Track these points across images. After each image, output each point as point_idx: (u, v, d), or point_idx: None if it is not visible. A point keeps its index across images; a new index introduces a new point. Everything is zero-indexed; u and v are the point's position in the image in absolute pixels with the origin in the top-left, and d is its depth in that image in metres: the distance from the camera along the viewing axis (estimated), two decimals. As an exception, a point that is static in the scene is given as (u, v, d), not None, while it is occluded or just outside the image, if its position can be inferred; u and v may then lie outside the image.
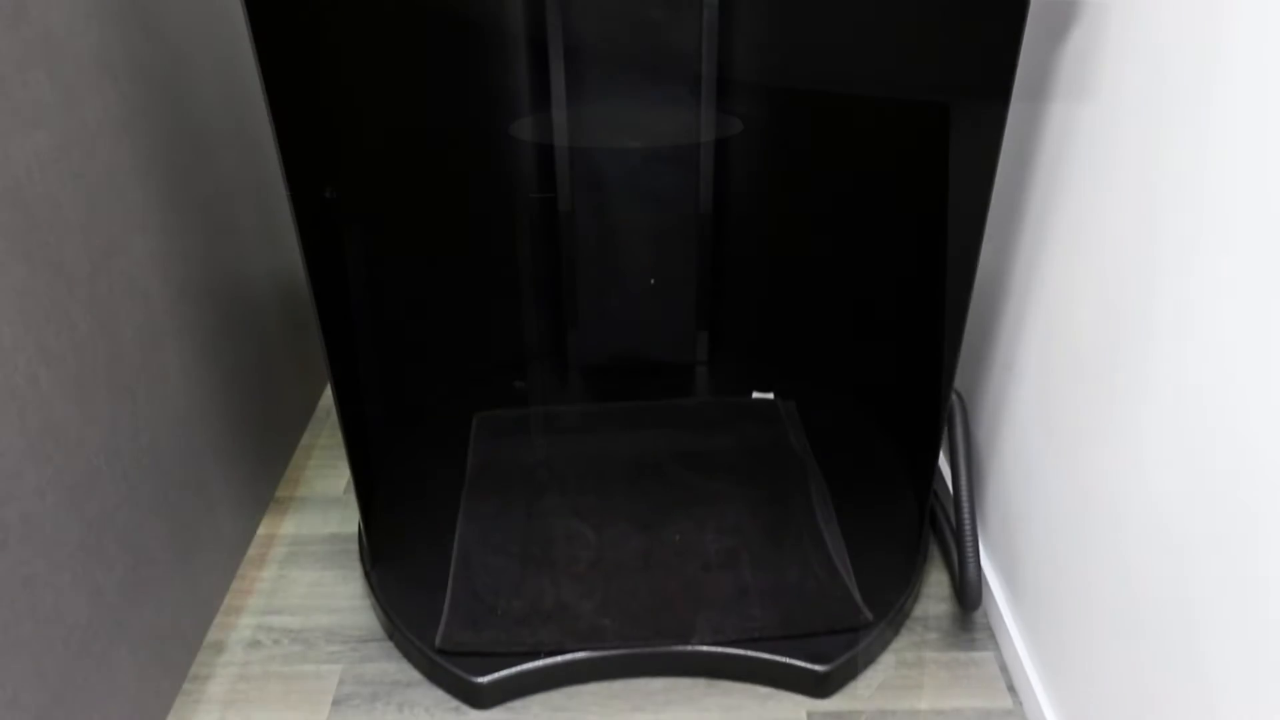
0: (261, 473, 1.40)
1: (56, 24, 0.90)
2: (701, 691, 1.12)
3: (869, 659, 1.15)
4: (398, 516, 1.31)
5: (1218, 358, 0.75)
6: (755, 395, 1.53)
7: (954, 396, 1.20)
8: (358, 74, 1.19)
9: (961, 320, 1.09)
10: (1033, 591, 1.11)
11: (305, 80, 1.07)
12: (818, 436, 1.44)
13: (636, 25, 1.31)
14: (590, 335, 1.57)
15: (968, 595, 1.17)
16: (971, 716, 1.09)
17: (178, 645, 1.14)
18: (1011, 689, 1.13)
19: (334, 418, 1.59)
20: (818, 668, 1.09)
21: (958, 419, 1.22)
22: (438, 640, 1.11)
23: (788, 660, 1.09)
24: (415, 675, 1.14)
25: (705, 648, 1.10)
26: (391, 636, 1.18)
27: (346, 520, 1.40)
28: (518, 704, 1.11)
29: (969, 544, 1.17)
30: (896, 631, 1.19)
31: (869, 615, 1.14)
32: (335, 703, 1.12)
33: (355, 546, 1.35)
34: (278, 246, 1.44)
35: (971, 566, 1.16)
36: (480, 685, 1.08)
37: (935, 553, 1.32)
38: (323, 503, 1.43)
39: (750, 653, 1.10)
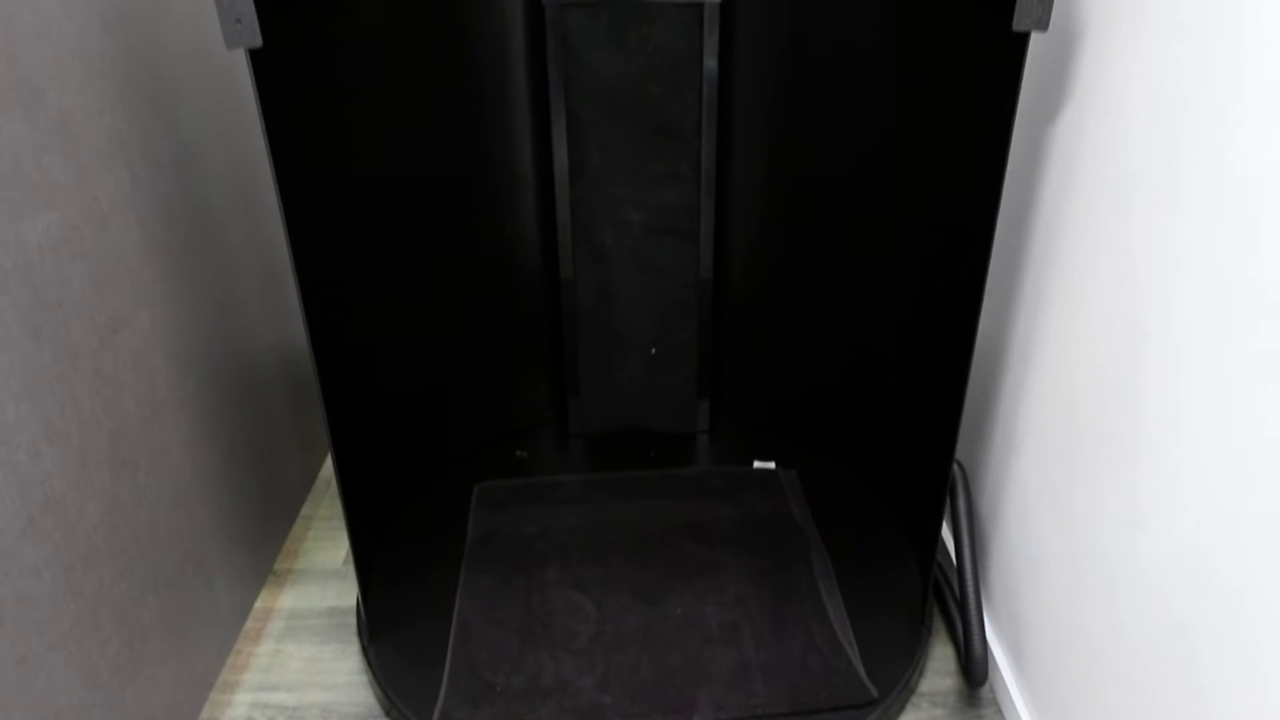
0: (260, 545, 1.39)
1: (74, 109, 0.93)
2: (704, 771, 1.09)
3: (875, 737, 1.13)
4: (397, 589, 1.30)
5: (1212, 430, 0.75)
6: (756, 465, 1.53)
7: (955, 467, 1.20)
8: (364, 155, 1.21)
9: (961, 390, 1.10)
10: (1039, 664, 1.09)
11: (312, 161, 1.10)
12: (820, 507, 1.43)
13: (637, 100, 1.34)
14: (591, 404, 1.58)
15: (974, 671, 1.15)
16: (981, 797, 1.07)
17: (171, 724, 1.13)
18: (1021, 768, 1.11)
19: (334, 488, 1.59)
20: (823, 746, 1.06)
21: (959, 489, 1.21)
22: (435, 718, 1.09)
23: (792, 739, 1.07)
24: (412, 755, 1.12)
25: (708, 726, 1.09)
26: (389, 714, 1.16)
27: (345, 593, 1.38)
28: (517, 785, 1.08)
29: (974, 617, 1.16)
30: (902, 708, 1.17)
31: (874, 692, 1.12)
32: (330, 784, 1.09)
33: (354, 620, 1.33)
34: (281, 318, 1.46)
35: (977, 641, 1.15)
36: (478, 765, 1.06)
37: (940, 625, 1.31)
38: (321, 575, 1.42)
39: (754, 731, 1.08)
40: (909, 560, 1.34)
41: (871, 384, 1.42)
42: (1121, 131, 0.90)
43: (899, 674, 1.16)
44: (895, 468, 1.41)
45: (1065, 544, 1.02)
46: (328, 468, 1.65)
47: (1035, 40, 1.09)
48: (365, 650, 1.22)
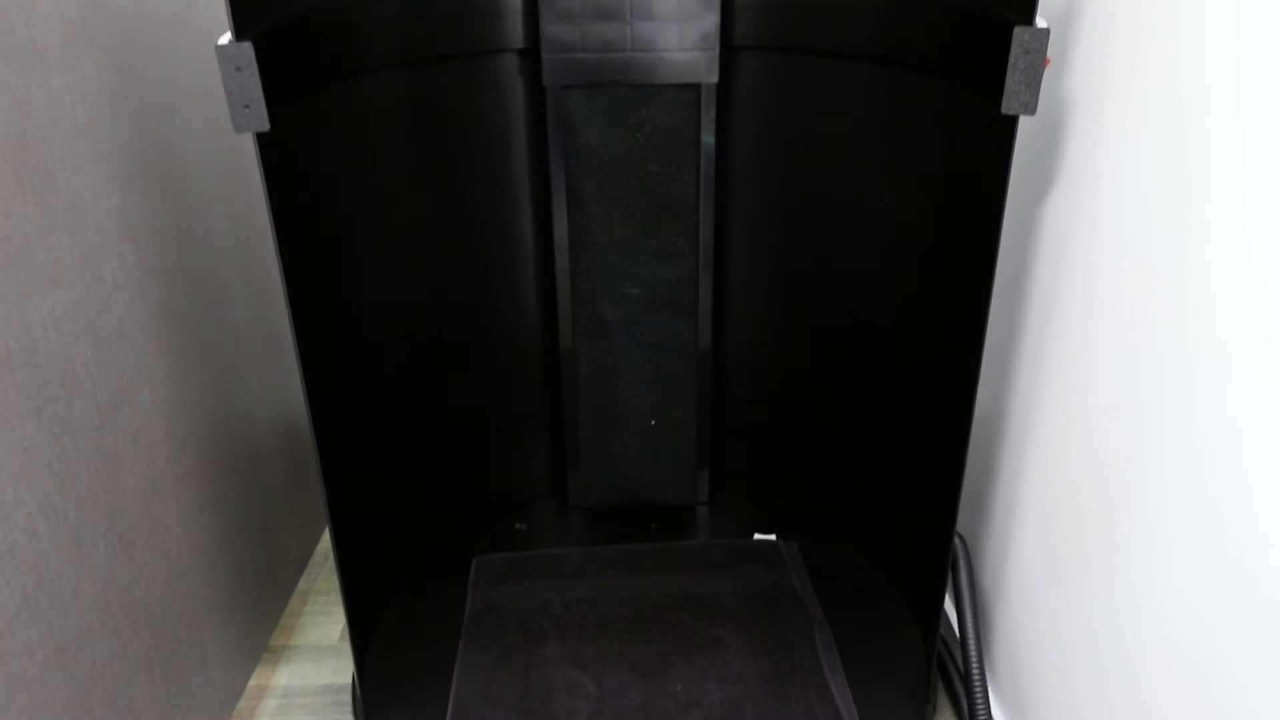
0: (256, 621, 1.37)
1: (82, 190, 0.95)
2: None
3: (881, 820, 1.11)
4: (393, 666, 1.28)
5: (1213, 501, 0.75)
6: (757, 537, 1.52)
7: (957, 539, 1.20)
8: (366, 229, 1.23)
9: (960, 462, 1.10)
10: (1047, 747, 1.07)
11: (315, 237, 1.11)
12: (821, 579, 1.42)
13: (636, 177, 1.36)
14: (591, 476, 1.57)
15: (980, 750, 1.13)
16: None
17: (160, 809, 1.10)
18: None
19: (331, 561, 1.57)
20: (827, 832, 1.04)
21: (961, 563, 1.20)
22: (431, 803, 1.07)
23: (796, 823, 1.04)
24: (407, 841, 1.09)
25: (710, 810, 1.06)
26: (383, 798, 1.13)
27: (340, 670, 1.36)
28: None
29: (979, 694, 1.14)
30: (908, 789, 1.15)
31: (879, 773, 1.10)
32: None
33: (349, 698, 1.31)
34: (281, 390, 1.46)
35: (982, 716, 1.13)
36: None
37: (944, 700, 1.29)
38: (317, 652, 1.40)
39: (757, 815, 1.05)
40: (912, 634, 1.32)
41: (871, 455, 1.42)
42: (1112, 207, 0.92)
43: (904, 754, 1.13)
44: (897, 539, 1.40)
45: (1068, 619, 1.01)
46: (325, 541, 1.64)
47: (1026, 118, 1.11)
48: (360, 730, 1.19)
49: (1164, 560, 0.82)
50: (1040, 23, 0.91)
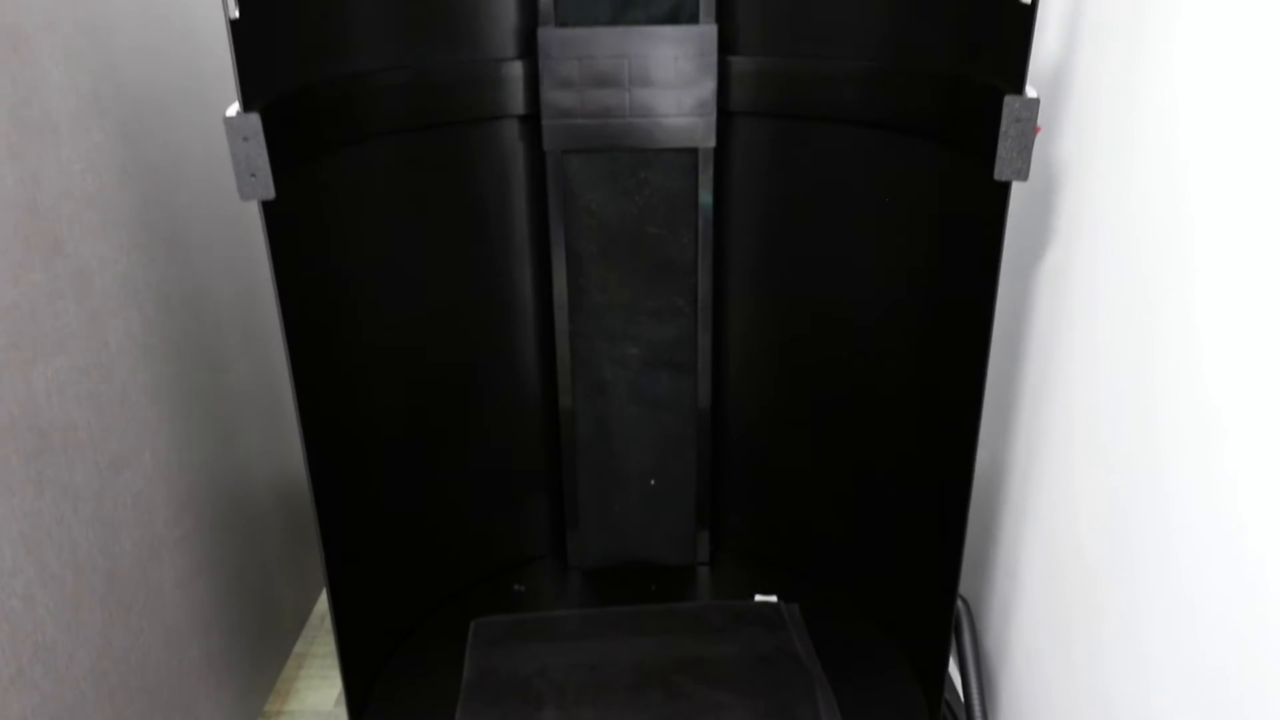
0: (252, 685, 1.35)
1: (90, 256, 0.96)
2: None
3: None
4: (390, 733, 1.26)
5: (1229, 564, 0.75)
6: (758, 598, 1.50)
7: (960, 603, 1.19)
8: (367, 290, 1.24)
9: (962, 524, 1.09)
10: (1056, 816, 1.05)
11: (317, 298, 1.13)
12: (823, 642, 1.40)
13: (635, 239, 1.38)
14: (590, 537, 1.56)
15: (988, 819, 1.11)
16: None
17: None
18: None
19: (328, 624, 1.56)
20: None
21: (965, 626, 1.19)
22: None
23: None
24: None
25: None
26: None
27: (336, 737, 1.34)
28: None
29: (986, 761, 1.12)
30: None
31: (885, 843, 1.08)
32: None
33: (344, 766, 1.29)
34: (281, 450, 1.46)
35: (990, 786, 1.11)
36: None
37: (951, 768, 1.26)
38: (313, 717, 1.38)
39: None
40: (916, 697, 1.30)
41: (872, 515, 1.41)
42: (1104, 271, 0.93)
43: (911, 823, 1.11)
44: (899, 601, 1.39)
45: (1074, 685, 1.00)
46: (322, 603, 1.63)
47: (1019, 184, 1.13)
48: (355, 801, 1.17)
49: (1163, 631, 0.82)
50: (1030, 92, 0.93)
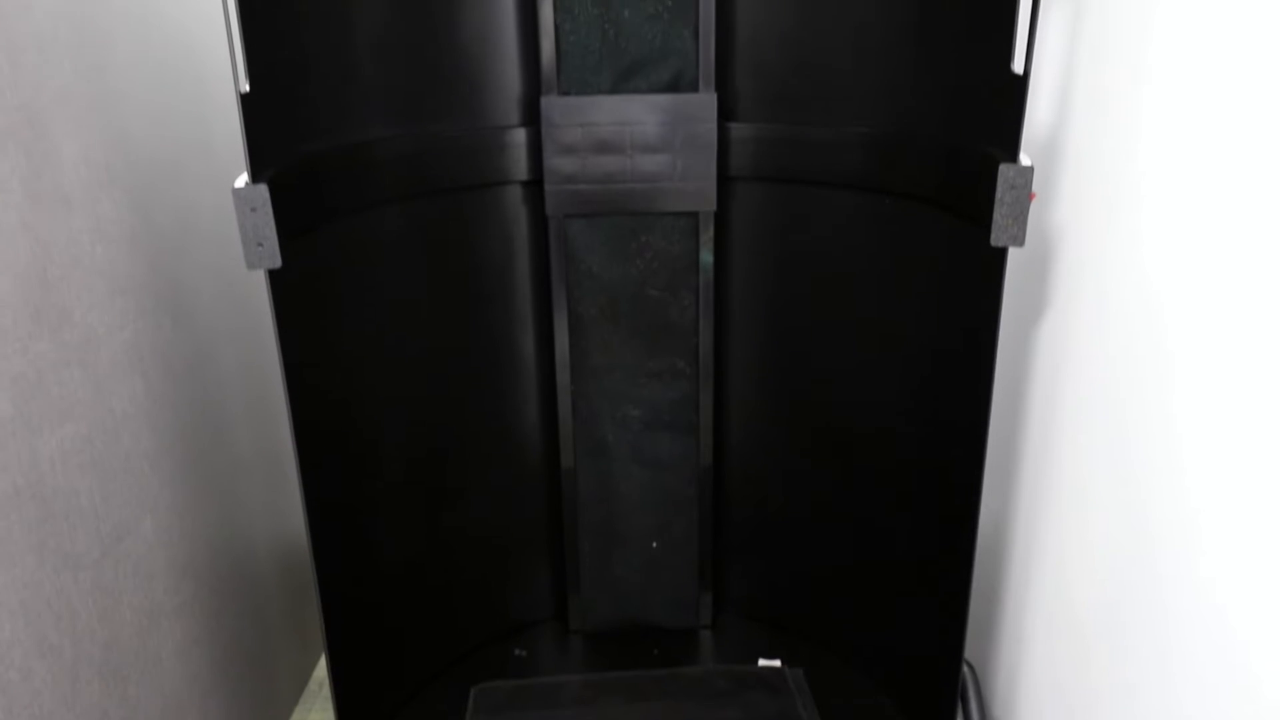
0: (247, 755, 1.33)
1: (97, 324, 0.97)
2: None
3: None
4: (388, 805, 1.23)
5: (1233, 636, 0.74)
6: (762, 663, 1.48)
7: (966, 668, 1.17)
8: (371, 354, 1.25)
9: (966, 588, 1.09)
10: None
11: (321, 363, 1.13)
12: (828, 708, 1.38)
13: (637, 301, 1.39)
14: (592, 600, 1.55)
15: None
16: None
17: None
18: None
19: (327, 691, 1.54)
20: None
21: (971, 692, 1.18)
22: None
23: None
24: None
25: None
26: None
27: (333, 808, 1.31)
28: None
29: (997, 833, 1.10)
30: None
31: None
32: None
33: (341, 840, 1.26)
34: (281, 512, 1.46)
35: None
36: None
37: (962, 839, 1.24)
38: (309, 788, 1.35)
39: None
40: (925, 766, 1.28)
41: (876, 578, 1.40)
42: (1101, 335, 0.94)
43: None
44: (904, 666, 1.37)
45: (1086, 754, 0.98)
46: (320, 669, 1.61)
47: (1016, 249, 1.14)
48: None
49: (1165, 701, 0.81)
50: (1024, 160, 0.95)
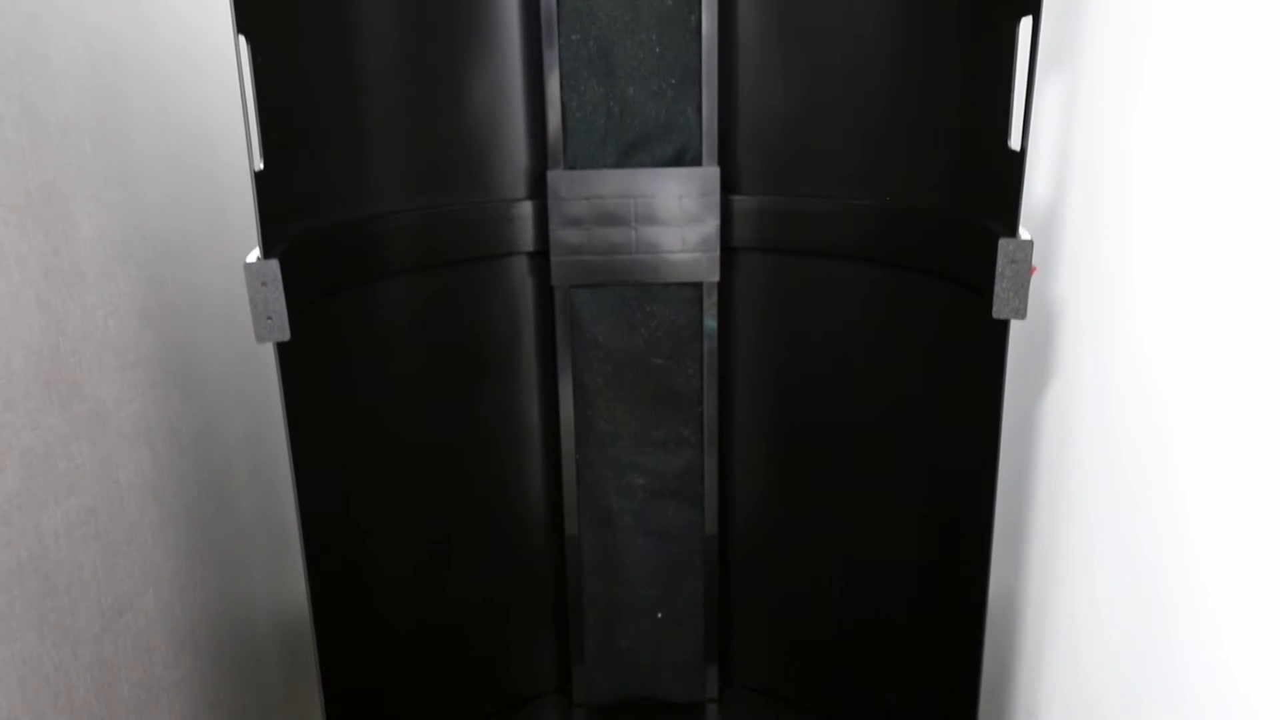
0: (243, 835, 1.30)
1: (107, 397, 0.98)
2: None
3: None
4: None
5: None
6: (770, 737, 1.46)
7: (978, 744, 1.15)
8: (376, 421, 1.26)
9: (977, 663, 1.07)
10: None
11: (327, 432, 1.14)
12: (839, 784, 1.35)
13: (641, 370, 1.40)
14: (596, 672, 1.53)
15: None
16: None
17: None
18: None
19: (325, 766, 1.51)
20: None
21: (985, 770, 1.15)
22: None
23: None
24: None
25: None
26: None
27: None
28: None
29: None
30: None
31: None
32: None
33: None
34: (284, 585, 1.45)
35: None
36: None
37: None
38: None
39: None
40: None
41: (883, 650, 1.38)
42: (1105, 407, 0.94)
43: None
44: (915, 741, 1.34)
45: (1103, 837, 0.96)
46: (320, 742, 1.58)
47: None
48: None
49: (1196, 775, 0.79)
50: (1024, 234, 0.97)
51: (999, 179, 0.98)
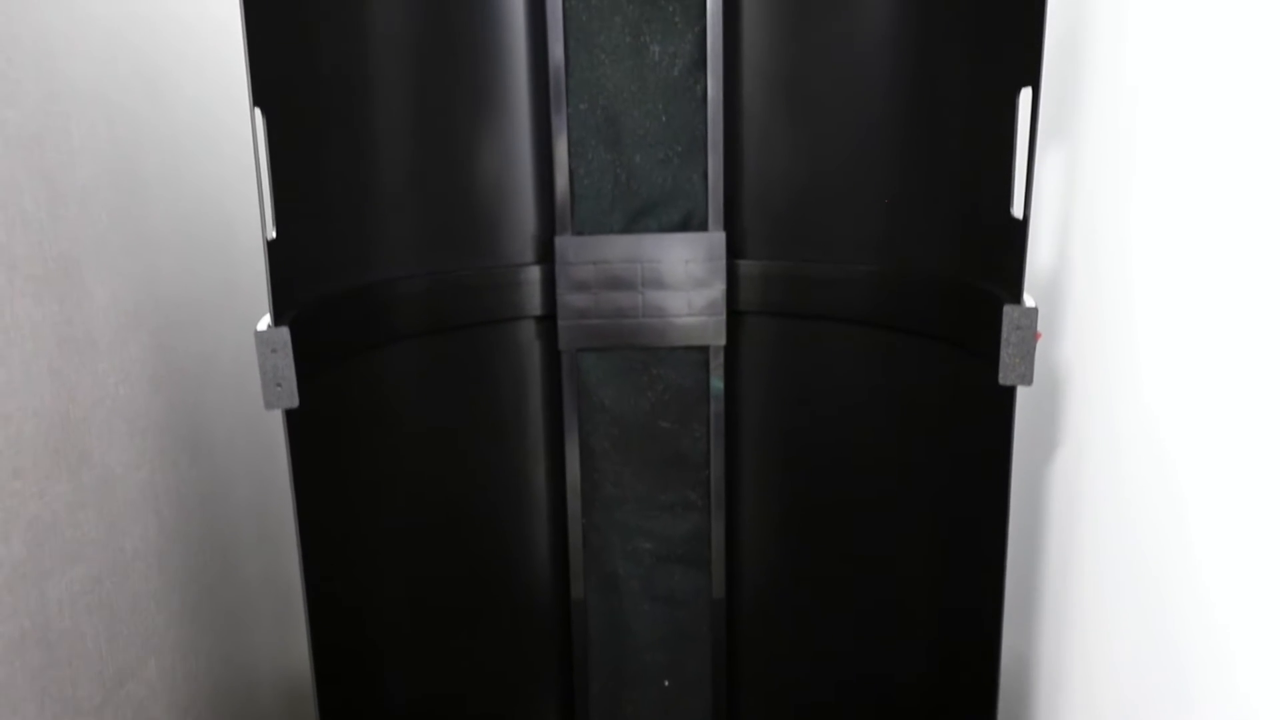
0: None
1: (115, 464, 0.98)
2: None
3: None
4: None
5: (1267, 805, 0.71)
6: (780, 809, 1.42)
7: (995, 819, 1.12)
8: (384, 489, 1.25)
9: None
10: None
11: (334, 499, 1.13)
12: None
13: (648, 434, 1.40)
14: (603, 741, 1.50)
15: None
16: None
17: None
18: None
19: (325, 840, 1.47)
20: None
21: (1002, 846, 1.12)
22: None
23: None
24: None
25: None
26: None
27: None
28: None
29: None
30: None
31: None
32: None
33: None
34: (287, 651, 1.43)
35: None
36: None
37: None
38: None
39: None
40: None
41: (894, 718, 1.36)
42: (1115, 464, 0.94)
43: None
44: (930, 814, 1.31)
45: None
46: (320, 814, 1.54)
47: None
48: None
49: None
50: (1029, 301, 0.97)
51: (1002, 246, 0.99)
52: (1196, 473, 0.79)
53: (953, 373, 1.14)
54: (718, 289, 1.34)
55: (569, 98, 1.28)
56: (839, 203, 1.27)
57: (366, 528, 1.22)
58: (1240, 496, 0.74)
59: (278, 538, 1.40)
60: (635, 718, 1.49)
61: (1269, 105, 0.70)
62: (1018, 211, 0.96)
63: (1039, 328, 0.97)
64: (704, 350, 1.37)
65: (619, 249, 1.33)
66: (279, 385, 0.97)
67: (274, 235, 0.97)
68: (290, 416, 0.98)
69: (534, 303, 1.36)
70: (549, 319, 1.37)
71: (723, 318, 1.35)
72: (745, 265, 1.35)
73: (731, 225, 1.34)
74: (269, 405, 0.96)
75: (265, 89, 0.93)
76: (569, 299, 1.34)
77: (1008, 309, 0.96)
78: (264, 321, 0.96)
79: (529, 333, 1.39)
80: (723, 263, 1.33)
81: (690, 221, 1.33)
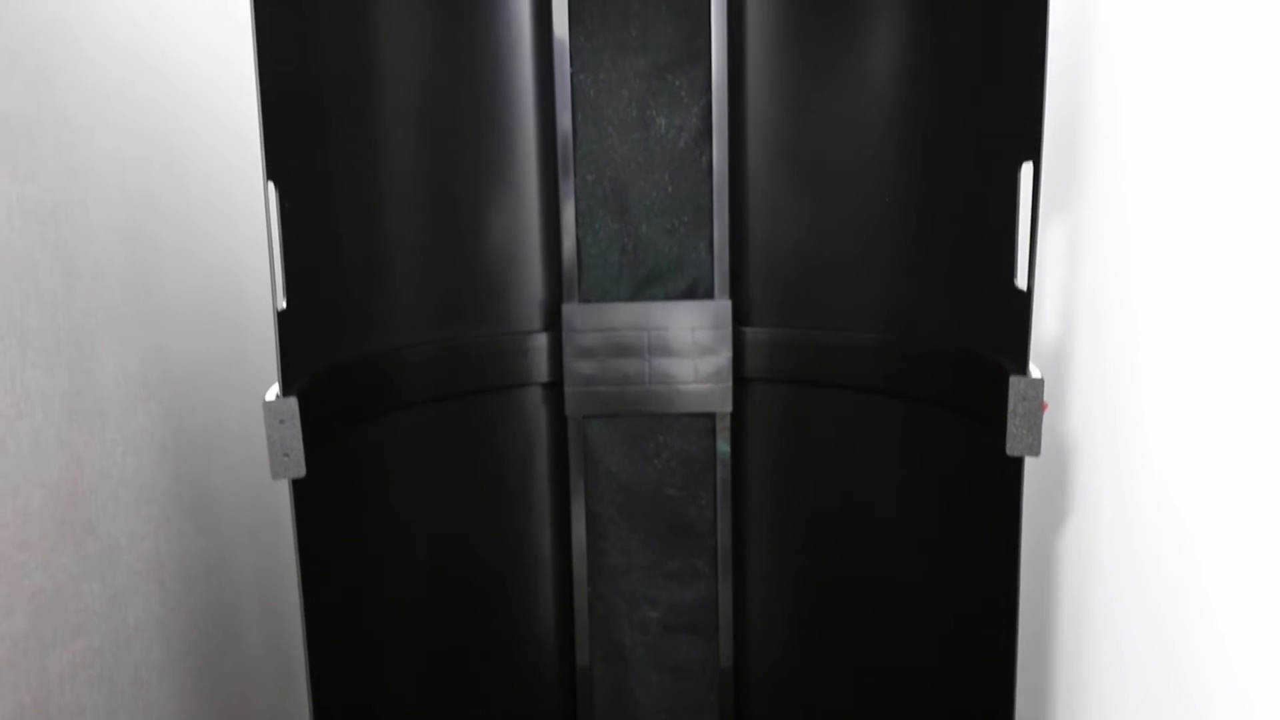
0: None
1: (120, 534, 0.98)
2: None
3: None
4: None
5: None
6: None
7: None
8: (388, 554, 1.24)
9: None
10: None
11: (339, 568, 1.13)
12: None
13: (654, 501, 1.39)
14: (609, 817, 1.46)
15: None
16: None
17: None
18: None
19: None
20: None
21: None
22: None
23: None
24: None
25: None
26: None
27: None
28: None
29: None
30: None
31: None
32: None
33: None
34: (289, 708, 1.41)
35: None
36: None
37: None
38: None
39: None
40: None
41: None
42: (1126, 533, 0.93)
43: None
44: None
45: None
46: None
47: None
48: None
49: None
50: (1034, 372, 0.97)
51: (1007, 317, 0.99)
52: (1209, 538, 0.79)
53: (960, 442, 1.14)
54: (724, 356, 1.35)
55: (577, 169, 1.30)
56: (844, 271, 1.28)
57: (371, 596, 1.21)
58: (1255, 560, 0.73)
59: (281, 605, 1.39)
60: (642, 791, 1.46)
61: (1257, 178, 0.71)
62: (1021, 283, 0.97)
63: (1045, 398, 0.97)
64: (710, 417, 1.37)
65: (626, 316, 1.34)
66: (286, 455, 0.97)
67: (284, 305, 0.98)
68: (297, 485, 0.98)
69: (541, 369, 1.37)
70: (556, 386, 1.37)
71: (729, 385, 1.35)
72: (751, 332, 1.36)
73: (737, 293, 1.35)
74: (276, 475, 0.96)
75: (279, 164, 0.95)
76: (576, 366, 1.34)
77: (1014, 380, 0.96)
78: (272, 391, 0.96)
79: (536, 399, 1.39)
80: (729, 330, 1.34)
81: (696, 289, 1.35)
